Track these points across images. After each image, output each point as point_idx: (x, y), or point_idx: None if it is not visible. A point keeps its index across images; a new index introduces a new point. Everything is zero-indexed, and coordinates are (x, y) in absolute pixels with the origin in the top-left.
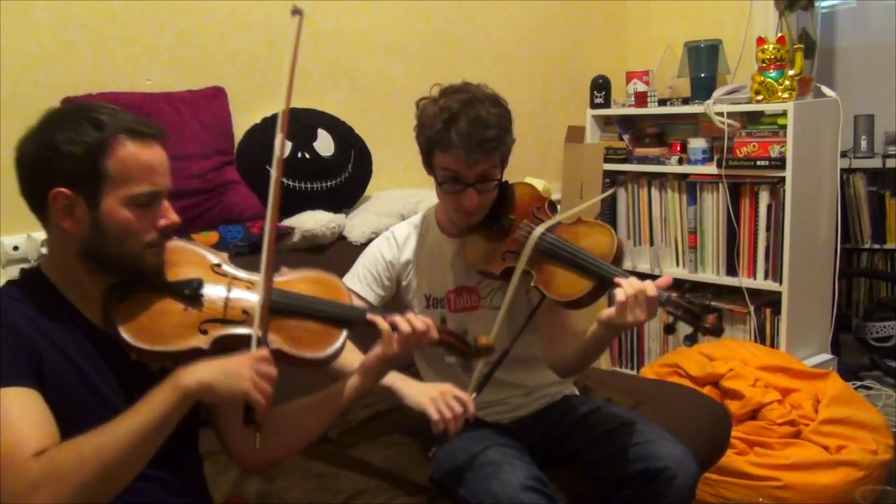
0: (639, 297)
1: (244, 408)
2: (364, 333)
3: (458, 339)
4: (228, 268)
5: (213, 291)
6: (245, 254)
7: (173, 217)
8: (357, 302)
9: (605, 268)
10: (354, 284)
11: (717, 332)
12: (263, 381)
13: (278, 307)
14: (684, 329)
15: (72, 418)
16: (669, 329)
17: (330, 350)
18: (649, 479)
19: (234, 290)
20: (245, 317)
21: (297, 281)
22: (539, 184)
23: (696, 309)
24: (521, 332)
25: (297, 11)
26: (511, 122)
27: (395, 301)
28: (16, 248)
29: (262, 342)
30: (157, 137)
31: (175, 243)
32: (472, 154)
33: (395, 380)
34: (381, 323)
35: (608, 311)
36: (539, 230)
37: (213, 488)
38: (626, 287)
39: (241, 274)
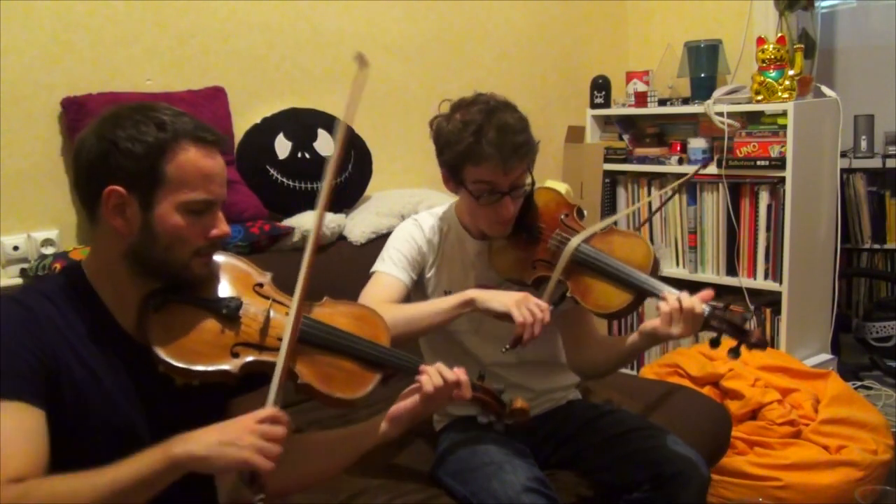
0: (685, 313)
1: (250, 475)
2: None
3: (494, 397)
4: (271, 289)
5: (253, 314)
6: (245, 254)
7: (225, 228)
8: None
9: (644, 280)
10: (388, 268)
11: (762, 345)
12: (269, 444)
13: (314, 340)
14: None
15: (85, 429)
16: (715, 343)
17: (361, 393)
18: (661, 483)
19: (274, 314)
20: (280, 344)
21: (337, 315)
22: (561, 188)
23: (740, 322)
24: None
25: (362, 60)
26: (529, 126)
27: (412, 293)
28: (16, 248)
29: (277, 400)
30: (219, 146)
31: (221, 258)
32: (508, 161)
33: (472, 292)
34: (425, 381)
35: (652, 323)
36: (575, 241)
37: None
38: (672, 301)
39: (284, 298)
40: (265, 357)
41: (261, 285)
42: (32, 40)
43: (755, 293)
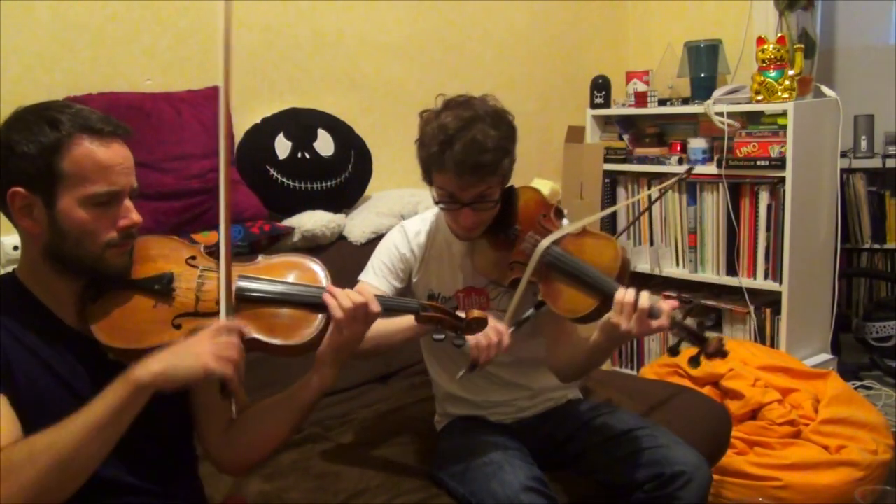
0: (639, 309)
1: (219, 384)
2: None
3: (446, 313)
4: (203, 259)
5: (185, 285)
6: (245, 253)
7: (135, 217)
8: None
9: (610, 284)
10: (370, 277)
11: (721, 355)
12: (226, 351)
13: (251, 296)
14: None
15: (50, 423)
16: (672, 351)
17: (307, 336)
18: (663, 483)
19: (206, 281)
20: (218, 307)
21: (271, 267)
22: (546, 186)
23: (700, 332)
24: (528, 331)
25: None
26: (512, 141)
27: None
28: (16, 248)
29: (228, 312)
30: (119, 135)
31: (149, 237)
32: (464, 178)
33: None
34: (330, 301)
35: (606, 316)
36: (544, 244)
37: (213, 488)
38: (627, 295)
39: (215, 264)
40: (205, 322)
41: (193, 257)
42: (32, 40)
43: (755, 293)
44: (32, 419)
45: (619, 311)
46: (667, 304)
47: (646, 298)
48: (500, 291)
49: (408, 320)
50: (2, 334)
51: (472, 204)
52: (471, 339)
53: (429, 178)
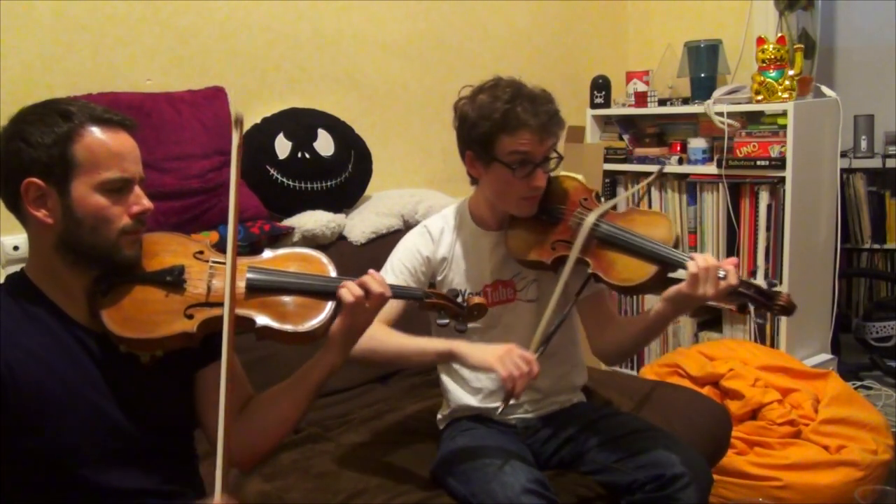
0: (710, 272)
1: None
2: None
3: (448, 300)
4: (211, 254)
5: (196, 277)
6: (245, 253)
7: (146, 203)
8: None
9: (668, 251)
10: (388, 278)
11: (790, 310)
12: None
13: (260, 285)
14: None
15: (55, 425)
16: (741, 308)
17: (315, 321)
18: (664, 484)
19: (217, 272)
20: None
21: (278, 259)
22: (577, 177)
23: (767, 285)
24: (564, 318)
25: (238, 120)
26: None
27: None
28: (16, 248)
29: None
30: (125, 126)
31: (156, 234)
32: (545, 128)
33: (455, 344)
34: (344, 293)
35: (678, 286)
36: (592, 217)
37: (213, 488)
38: (699, 260)
39: (223, 258)
40: (218, 311)
41: (201, 252)
42: (32, 40)
43: None
44: (35, 419)
45: (693, 279)
46: (729, 263)
47: (713, 260)
48: (526, 283)
49: (422, 348)
50: (4, 343)
51: (543, 163)
52: (501, 371)
53: (490, 153)
